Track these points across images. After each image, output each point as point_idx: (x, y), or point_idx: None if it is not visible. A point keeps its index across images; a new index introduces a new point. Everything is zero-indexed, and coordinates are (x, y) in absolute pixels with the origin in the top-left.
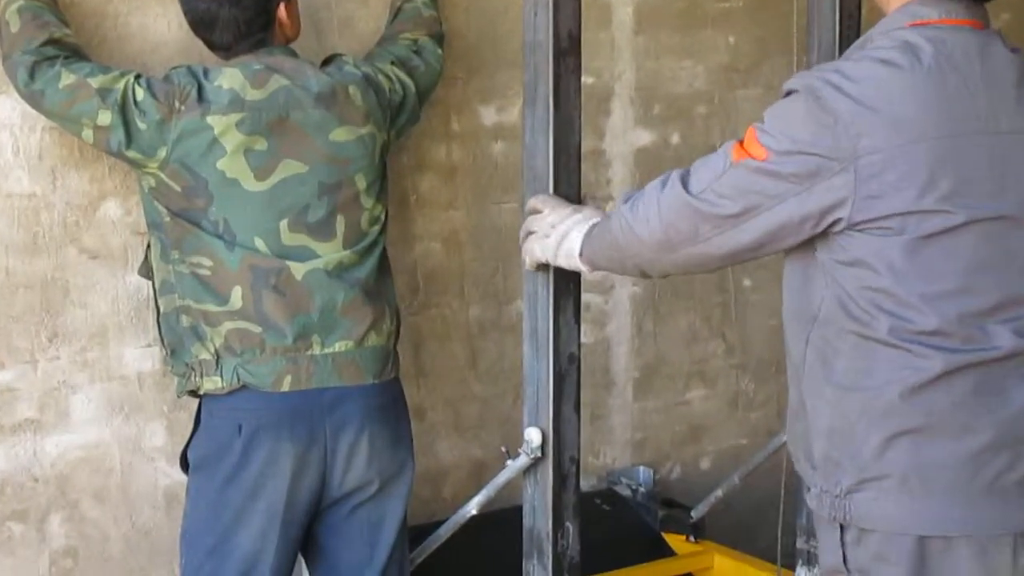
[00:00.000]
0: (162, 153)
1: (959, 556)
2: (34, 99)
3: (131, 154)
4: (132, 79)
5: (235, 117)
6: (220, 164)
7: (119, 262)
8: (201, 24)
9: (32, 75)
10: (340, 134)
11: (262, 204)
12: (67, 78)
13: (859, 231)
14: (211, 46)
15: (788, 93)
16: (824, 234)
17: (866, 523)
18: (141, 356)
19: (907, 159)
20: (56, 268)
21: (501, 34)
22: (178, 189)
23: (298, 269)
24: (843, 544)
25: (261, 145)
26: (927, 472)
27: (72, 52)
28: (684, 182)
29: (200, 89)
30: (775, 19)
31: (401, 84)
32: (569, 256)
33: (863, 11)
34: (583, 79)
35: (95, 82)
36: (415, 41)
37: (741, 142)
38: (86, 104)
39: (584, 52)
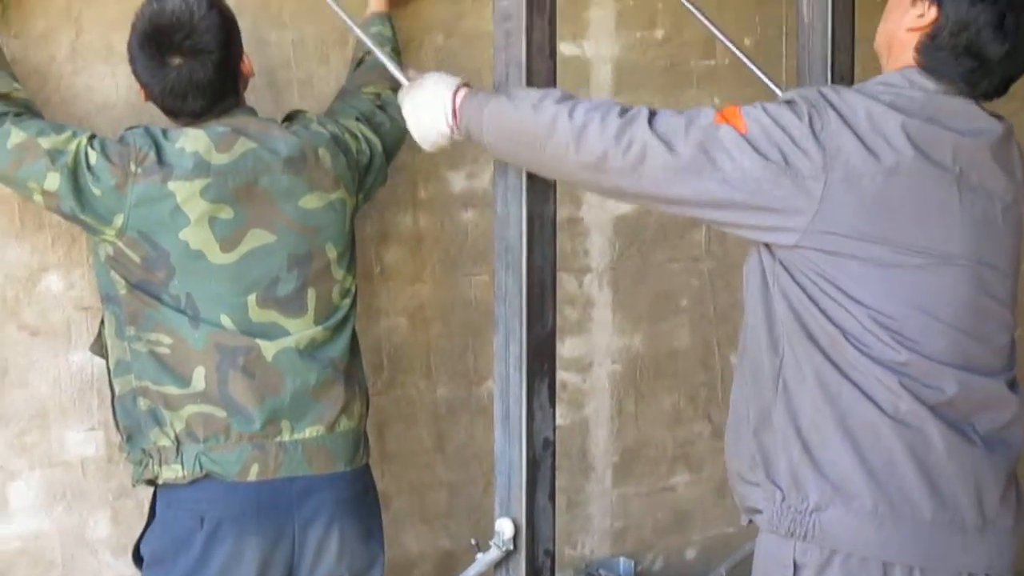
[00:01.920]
0: (119, 220)
1: None
2: None
3: (86, 219)
4: (85, 140)
5: (200, 183)
6: (183, 234)
7: (61, 339)
8: (171, 95)
9: None
10: (310, 200)
11: (229, 278)
12: (15, 136)
13: (813, 249)
14: (177, 115)
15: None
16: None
17: (833, 542)
18: (84, 440)
19: (876, 187)
20: None
21: None
22: (136, 259)
23: (268, 348)
24: None
25: (227, 213)
26: (896, 499)
27: (23, 108)
28: (650, 116)
29: (159, 151)
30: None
31: (368, 143)
32: (434, 107)
33: (855, 72)
34: None
35: (45, 142)
36: (378, 95)
37: (721, 112)
38: (34, 166)
39: None
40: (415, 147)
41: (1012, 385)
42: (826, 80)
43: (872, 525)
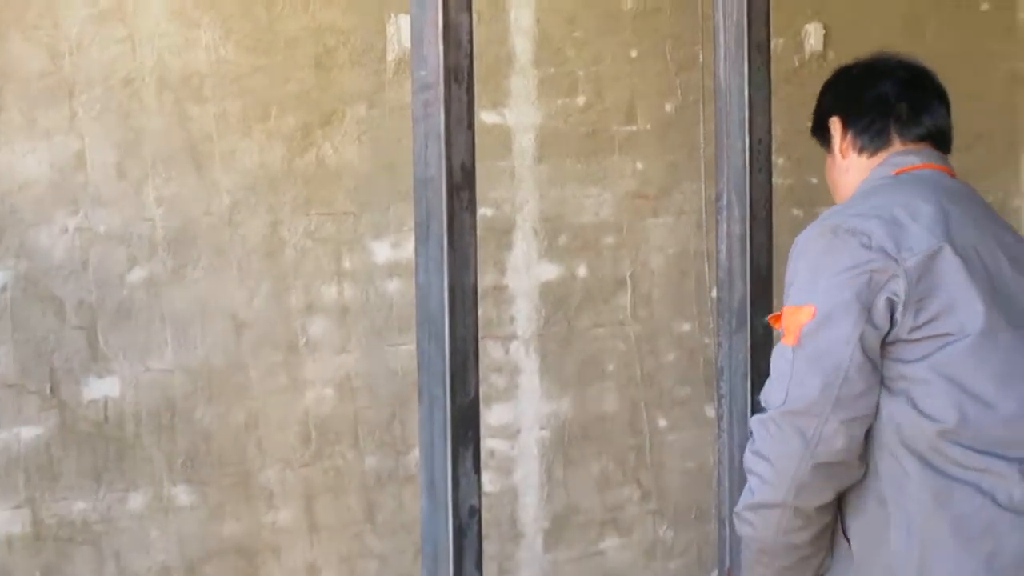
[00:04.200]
0: None
1: None
2: None
3: None
4: None
5: None
6: None
7: None
8: None
9: None
10: None
11: None
12: None
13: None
14: None
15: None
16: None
17: None
18: (10, 518)
19: (933, 262)
20: None
21: (396, 165)
22: None
23: None
24: None
25: None
26: None
27: None
28: (764, 410)
29: None
30: (685, 142)
31: None
32: None
33: (773, 135)
34: (482, 211)
35: None
36: None
37: (783, 336)
38: None
39: (483, 182)
40: (340, 218)
41: None
42: (744, 141)
43: None
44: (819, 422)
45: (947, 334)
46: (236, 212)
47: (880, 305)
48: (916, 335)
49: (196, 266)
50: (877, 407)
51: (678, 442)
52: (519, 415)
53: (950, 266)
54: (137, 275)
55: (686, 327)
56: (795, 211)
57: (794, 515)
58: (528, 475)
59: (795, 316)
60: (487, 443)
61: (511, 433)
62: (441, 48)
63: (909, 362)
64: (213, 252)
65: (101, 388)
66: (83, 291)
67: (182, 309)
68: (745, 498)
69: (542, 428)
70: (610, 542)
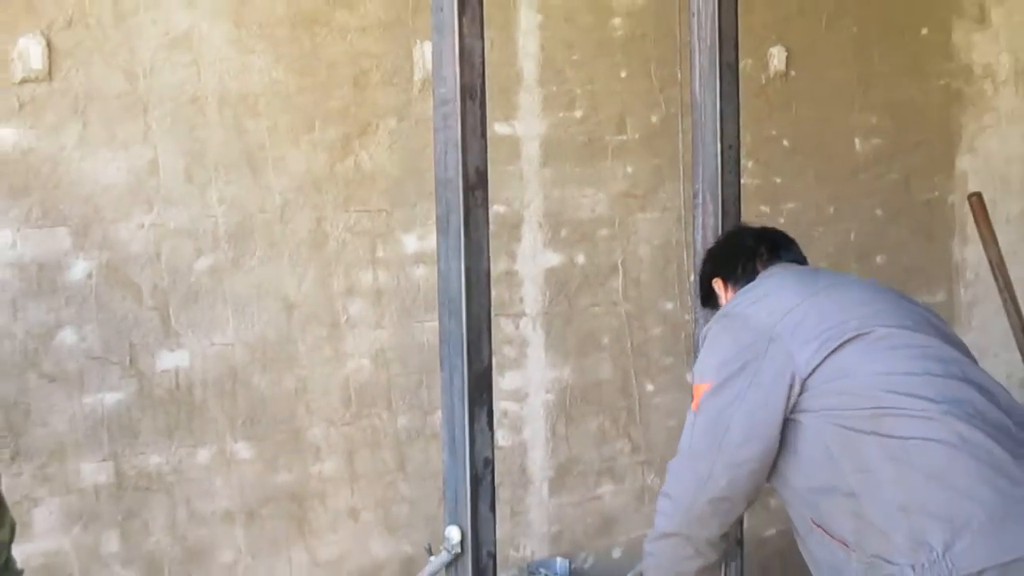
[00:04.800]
0: None
1: None
2: None
3: None
4: None
5: None
6: None
7: (75, 385)
8: None
9: None
10: None
11: None
12: None
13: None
14: None
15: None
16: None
17: (972, 566)
18: (97, 470)
19: (803, 312)
20: (19, 392)
21: (422, 169)
22: None
23: None
24: None
25: None
26: (993, 500)
27: None
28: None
29: None
30: (667, 148)
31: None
32: None
33: (742, 142)
34: (496, 208)
35: None
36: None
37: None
38: None
39: (496, 184)
40: (375, 215)
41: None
42: (716, 148)
43: (993, 533)
44: (708, 464)
45: (846, 341)
46: (286, 210)
47: (772, 363)
48: (819, 357)
49: (253, 256)
50: (776, 450)
51: (663, 403)
52: (527, 381)
53: (821, 304)
54: (203, 264)
55: (669, 306)
56: (762, 207)
57: (687, 544)
58: (535, 432)
59: (697, 391)
60: (500, 405)
61: (521, 396)
62: (458, 69)
63: (827, 381)
64: (267, 244)
65: (173, 360)
66: (157, 277)
67: (241, 292)
68: (649, 535)
69: (547, 392)
70: (606, 488)
